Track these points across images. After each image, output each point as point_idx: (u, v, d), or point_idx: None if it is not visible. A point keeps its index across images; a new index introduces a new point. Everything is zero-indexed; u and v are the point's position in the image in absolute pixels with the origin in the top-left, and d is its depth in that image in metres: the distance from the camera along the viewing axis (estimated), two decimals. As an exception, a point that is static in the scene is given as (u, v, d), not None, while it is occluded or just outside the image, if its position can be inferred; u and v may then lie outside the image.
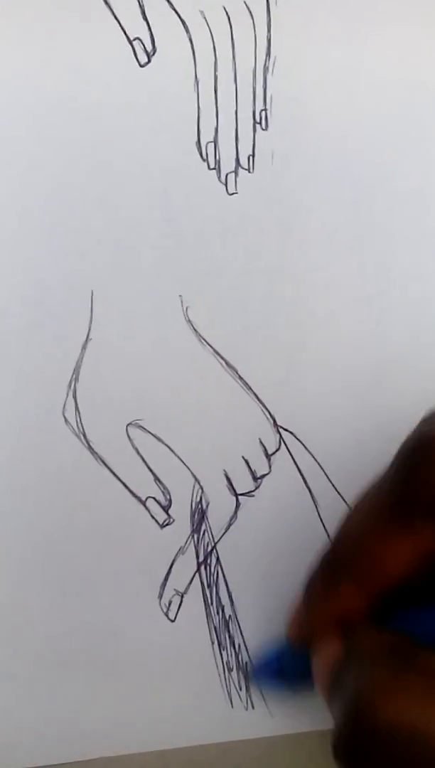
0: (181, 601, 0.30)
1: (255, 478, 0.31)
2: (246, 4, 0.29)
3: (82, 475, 0.29)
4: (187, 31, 0.29)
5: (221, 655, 0.31)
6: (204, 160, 0.30)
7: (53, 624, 0.29)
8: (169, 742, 0.31)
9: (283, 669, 0.29)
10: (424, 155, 0.31)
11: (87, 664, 0.30)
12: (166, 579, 0.30)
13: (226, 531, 0.31)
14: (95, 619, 0.30)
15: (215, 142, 0.30)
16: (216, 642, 0.31)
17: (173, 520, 0.30)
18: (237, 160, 0.30)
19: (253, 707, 0.31)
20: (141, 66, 0.29)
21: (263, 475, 0.31)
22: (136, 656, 0.30)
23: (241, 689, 0.31)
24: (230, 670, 0.31)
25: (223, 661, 0.31)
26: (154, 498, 0.30)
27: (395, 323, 0.31)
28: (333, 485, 0.31)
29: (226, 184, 0.30)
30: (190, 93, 0.29)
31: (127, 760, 0.30)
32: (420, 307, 0.32)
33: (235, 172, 0.30)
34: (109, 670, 0.30)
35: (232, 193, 0.30)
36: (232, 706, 0.31)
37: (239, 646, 0.31)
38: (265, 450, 0.31)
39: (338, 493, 0.32)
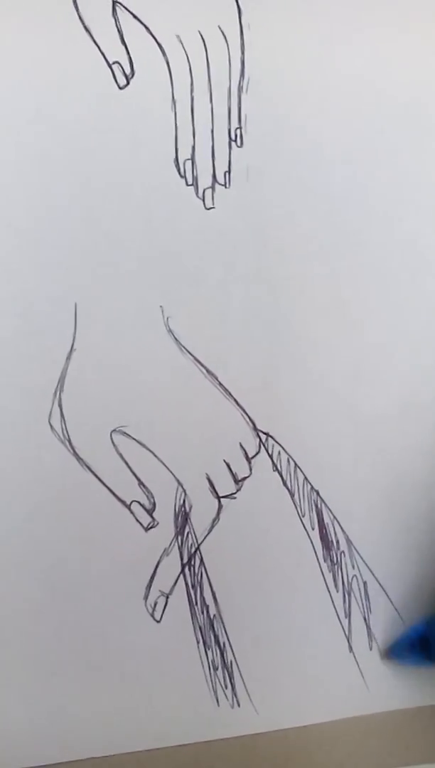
0: (167, 602, 0.31)
1: (236, 481, 0.32)
2: (220, 28, 0.31)
3: (68, 481, 0.30)
4: (164, 54, 0.30)
5: (207, 654, 0.32)
6: (182, 176, 0.31)
7: (41, 627, 0.30)
8: (156, 741, 0.31)
9: (428, 641, 0.31)
10: (394, 167, 0.33)
11: (74, 666, 0.30)
12: (151, 580, 0.31)
13: (209, 532, 0.32)
14: (82, 621, 0.30)
15: (192, 159, 0.31)
16: (201, 641, 0.31)
17: (157, 523, 0.31)
18: (214, 176, 0.31)
19: (238, 705, 0.32)
20: (120, 88, 0.30)
21: (244, 478, 0.32)
22: (122, 657, 0.31)
23: (226, 687, 0.32)
24: (216, 668, 0.32)
25: (208, 660, 0.32)
26: (138, 502, 0.31)
27: (369, 328, 0.32)
28: (312, 486, 0.32)
29: (203, 200, 0.31)
30: (168, 113, 0.30)
31: (114, 761, 0.31)
32: (392, 313, 0.33)
33: (212, 187, 0.31)
34: (96, 672, 0.31)
35: (210, 208, 0.31)
36: (218, 705, 0.32)
37: (224, 644, 0.32)
38: (246, 453, 0.32)
39: (317, 494, 0.32)
